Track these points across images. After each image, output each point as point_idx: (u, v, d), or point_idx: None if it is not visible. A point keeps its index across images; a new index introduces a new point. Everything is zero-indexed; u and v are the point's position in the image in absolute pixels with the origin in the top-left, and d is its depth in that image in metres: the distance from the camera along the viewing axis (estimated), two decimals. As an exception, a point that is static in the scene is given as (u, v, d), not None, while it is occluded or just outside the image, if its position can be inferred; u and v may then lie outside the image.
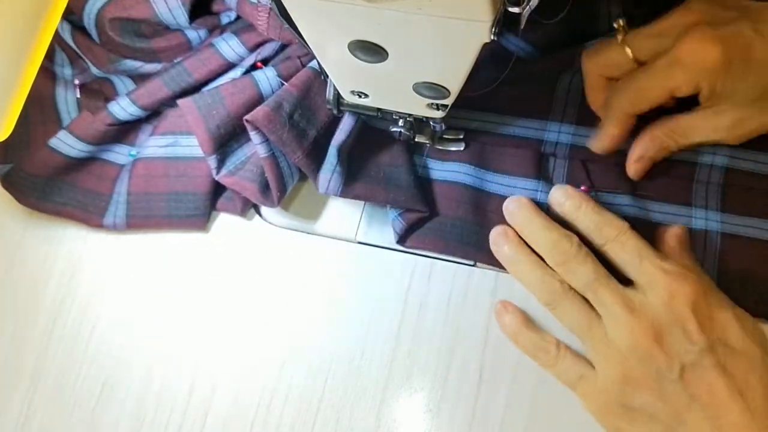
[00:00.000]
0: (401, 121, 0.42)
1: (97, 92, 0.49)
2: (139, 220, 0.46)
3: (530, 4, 0.27)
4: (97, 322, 0.46)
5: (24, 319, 0.47)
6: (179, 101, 0.45)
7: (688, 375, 0.36)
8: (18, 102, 0.42)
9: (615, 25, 0.41)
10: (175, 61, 0.48)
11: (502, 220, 0.43)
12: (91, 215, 0.47)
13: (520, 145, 0.45)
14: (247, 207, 0.47)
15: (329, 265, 0.46)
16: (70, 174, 0.47)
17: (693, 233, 0.42)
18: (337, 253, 0.46)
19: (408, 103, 0.39)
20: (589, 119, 0.45)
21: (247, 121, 0.41)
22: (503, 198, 0.44)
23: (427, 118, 0.42)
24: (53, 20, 0.41)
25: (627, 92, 0.40)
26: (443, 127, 0.44)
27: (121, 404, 0.45)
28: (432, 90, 0.35)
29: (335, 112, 0.43)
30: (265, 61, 0.47)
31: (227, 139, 0.45)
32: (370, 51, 0.31)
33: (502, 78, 0.43)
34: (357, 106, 0.42)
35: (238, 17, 0.47)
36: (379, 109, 0.41)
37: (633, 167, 0.42)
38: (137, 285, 0.47)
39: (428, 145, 0.45)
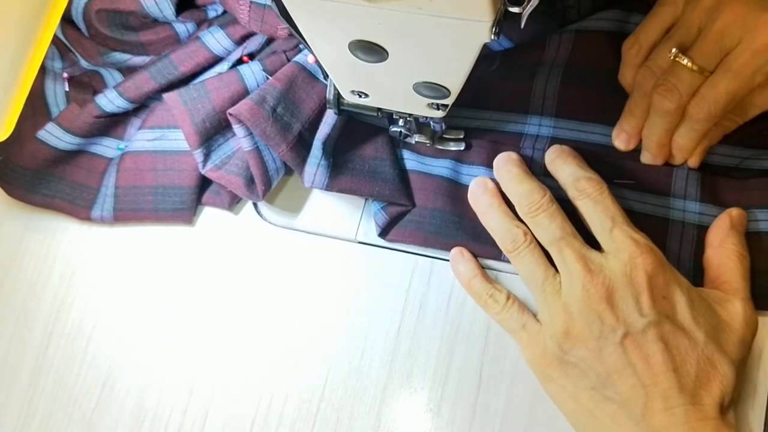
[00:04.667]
0: (401, 121, 0.42)
1: (85, 85, 0.50)
2: (126, 213, 0.46)
3: (530, 3, 0.27)
4: (97, 322, 0.46)
5: (24, 319, 0.47)
6: (164, 95, 0.45)
7: (629, 342, 0.37)
8: (18, 102, 0.42)
9: (670, 55, 0.41)
10: (162, 54, 0.48)
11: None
12: (78, 208, 0.47)
13: (501, 139, 0.45)
14: (235, 201, 0.47)
15: (329, 265, 0.46)
16: (59, 166, 0.47)
17: (671, 224, 0.43)
18: (337, 253, 0.46)
19: (408, 103, 0.39)
20: (568, 112, 0.45)
21: (230, 114, 0.42)
22: None
23: (427, 117, 0.42)
24: (53, 20, 0.41)
25: (716, 101, 0.40)
26: (443, 127, 0.44)
27: (121, 404, 0.45)
28: (432, 90, 0.35)
29: (335, 112, 0.43)
30: (252, 56, 0.47)
31: (213, 133, 0.45)
32: (370, 51, 0.31)
33: (491, 71, 0.43)
34: (357, 106, 0.42)
35: (225, 11, 0.48)
36: (379, 109, 0.41)
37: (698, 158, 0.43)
38: (137, 285, 0.47)
39: (400, 136, 0.45)
